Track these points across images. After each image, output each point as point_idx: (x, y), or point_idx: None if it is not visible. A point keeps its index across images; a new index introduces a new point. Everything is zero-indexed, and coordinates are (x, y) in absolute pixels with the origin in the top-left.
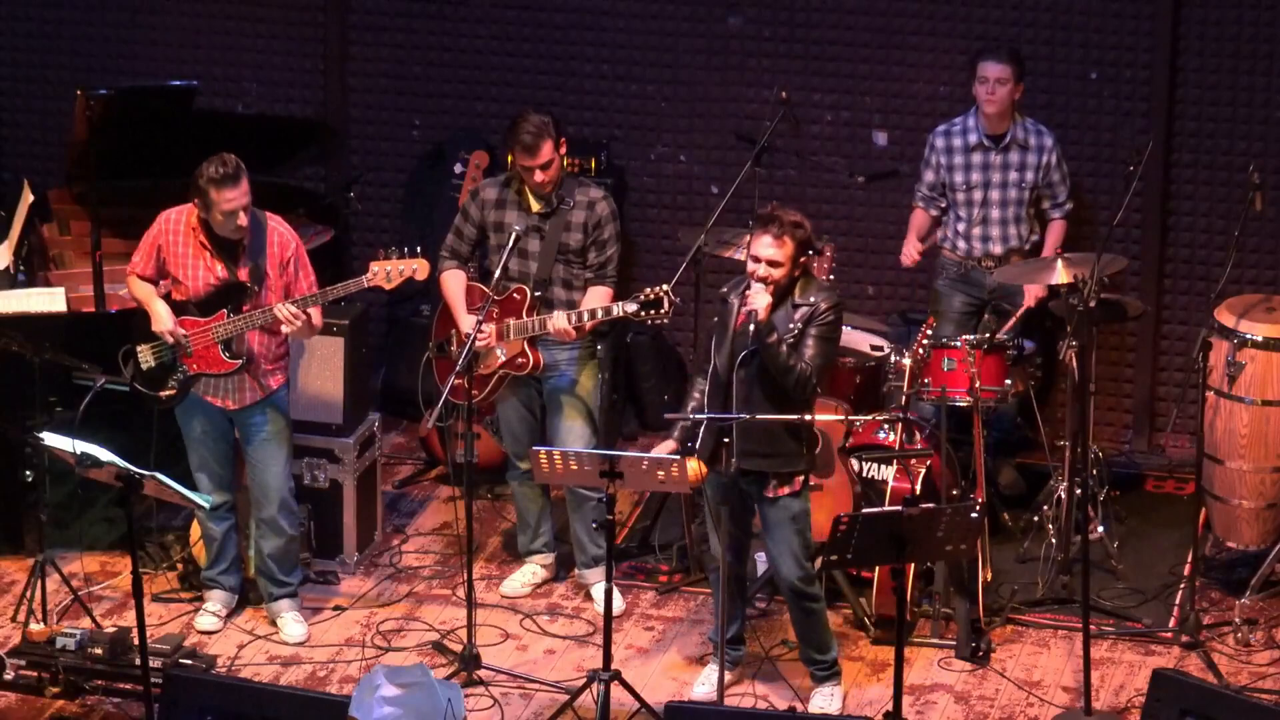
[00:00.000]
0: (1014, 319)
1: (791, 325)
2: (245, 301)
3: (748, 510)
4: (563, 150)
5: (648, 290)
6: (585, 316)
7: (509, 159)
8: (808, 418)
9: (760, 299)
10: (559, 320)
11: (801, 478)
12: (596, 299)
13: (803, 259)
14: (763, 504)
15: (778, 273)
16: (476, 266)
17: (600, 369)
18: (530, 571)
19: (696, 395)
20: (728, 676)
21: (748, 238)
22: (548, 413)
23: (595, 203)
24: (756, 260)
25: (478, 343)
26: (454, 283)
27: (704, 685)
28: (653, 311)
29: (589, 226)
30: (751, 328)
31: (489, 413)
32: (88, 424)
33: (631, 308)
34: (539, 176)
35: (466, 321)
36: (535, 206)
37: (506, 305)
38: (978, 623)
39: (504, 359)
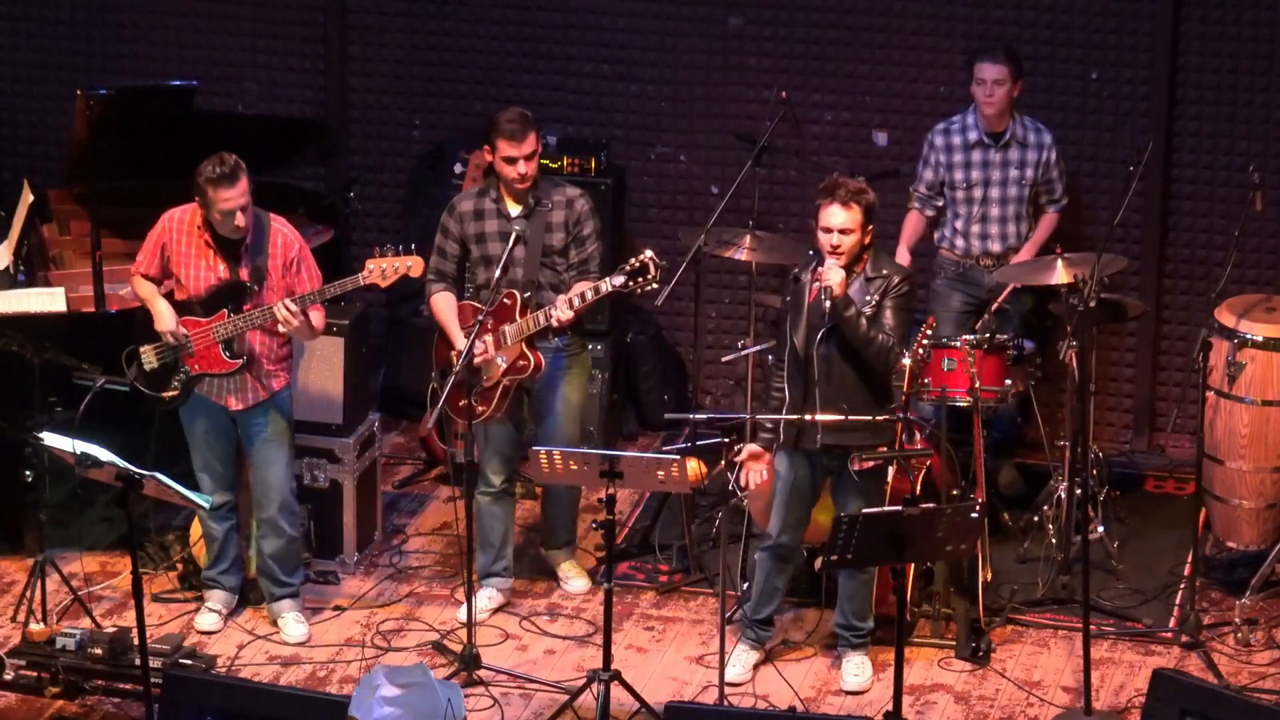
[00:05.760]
0: (999, 300)
1: (869, 298)
2: (245, 301)
3: (815, 490)
4: (539, 149)
5: (631, 260)
6: (577, 301)
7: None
8: (808, 418)
9: (834, 274)
10: (562, 310)
11: (884, 448)
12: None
13: (870, 227)
14: (844, 476)
15: (849, 240)
16: (471, 287)
17: (591, 368)
18: (487, 596)
19: (778, 387)
20: (747, 663)
21: (819, 209)
22: (536, 415)
23: (573, 200)
24: (828, 230)
25: (476, 358)
26: (444, 304)
27: (734, 668)
28: (640, 279)
29: (569, 224)
30: (827, 304)
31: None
32: (88, 424)
33: (619, 280)
34: (523, 168)
35: (462, 341)
36: (514, 211)
37: (499, 313)
38: (978, 623)
39: (505, 366)
